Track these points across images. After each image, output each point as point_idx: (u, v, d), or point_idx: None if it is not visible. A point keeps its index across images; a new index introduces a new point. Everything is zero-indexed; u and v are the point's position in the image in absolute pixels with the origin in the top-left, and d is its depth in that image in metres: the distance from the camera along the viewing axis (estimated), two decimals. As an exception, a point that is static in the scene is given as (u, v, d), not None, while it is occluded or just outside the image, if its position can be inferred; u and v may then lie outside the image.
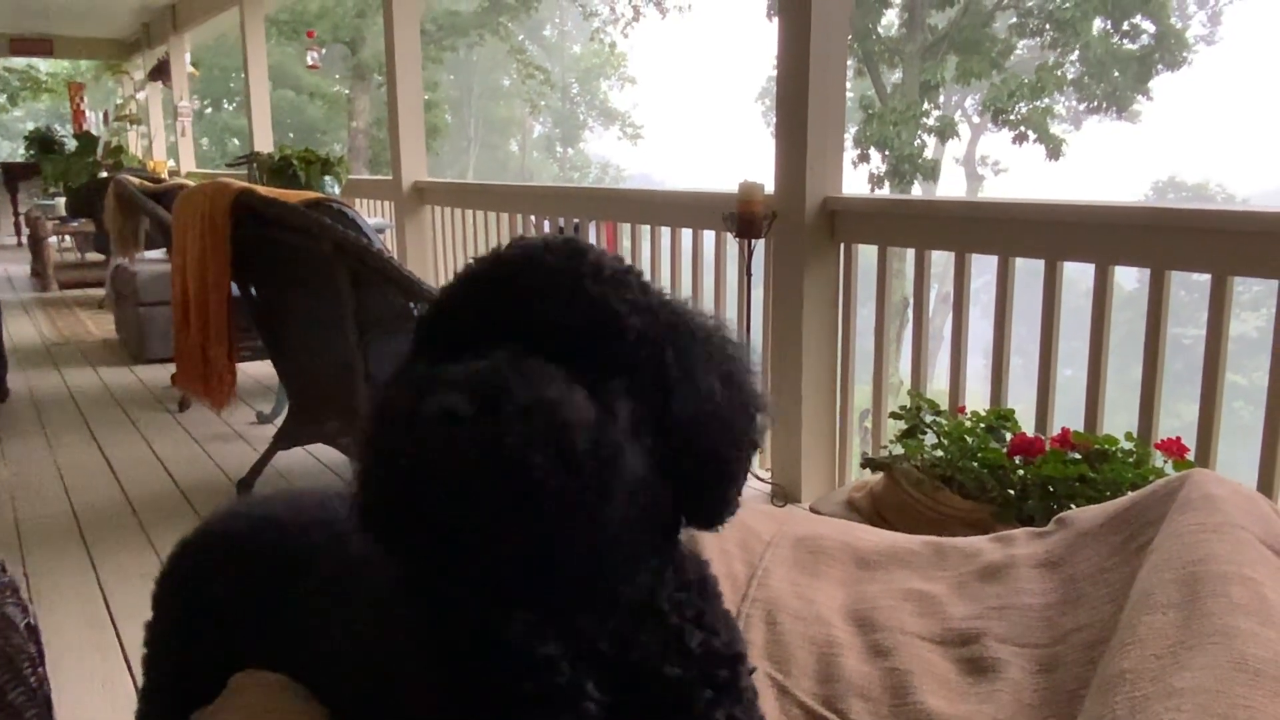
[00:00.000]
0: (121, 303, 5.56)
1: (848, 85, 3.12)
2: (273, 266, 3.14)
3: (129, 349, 5.53)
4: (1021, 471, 2.24)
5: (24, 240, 10.94)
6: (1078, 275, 2.50)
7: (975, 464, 2.32)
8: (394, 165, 5.66)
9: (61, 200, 9.17)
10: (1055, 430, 2.36)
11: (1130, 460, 2.13)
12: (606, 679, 0.75)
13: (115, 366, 5.26)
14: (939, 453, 2.40)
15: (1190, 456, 2.14)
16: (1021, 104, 15.21)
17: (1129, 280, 14.83)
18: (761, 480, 3.15)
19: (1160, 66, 15.83)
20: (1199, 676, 0.81)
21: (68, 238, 9.41)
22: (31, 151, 10.59)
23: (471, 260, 0.77)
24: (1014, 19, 16.32)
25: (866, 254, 3.04)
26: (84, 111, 12.94)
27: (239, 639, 1.02)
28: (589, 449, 0.64)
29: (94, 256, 9.04)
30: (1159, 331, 2.27)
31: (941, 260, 2.97)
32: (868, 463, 2.58)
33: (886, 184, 15.24)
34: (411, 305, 2.78)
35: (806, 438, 3.06)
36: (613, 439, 0.66)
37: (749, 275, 3.09)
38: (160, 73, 11.25)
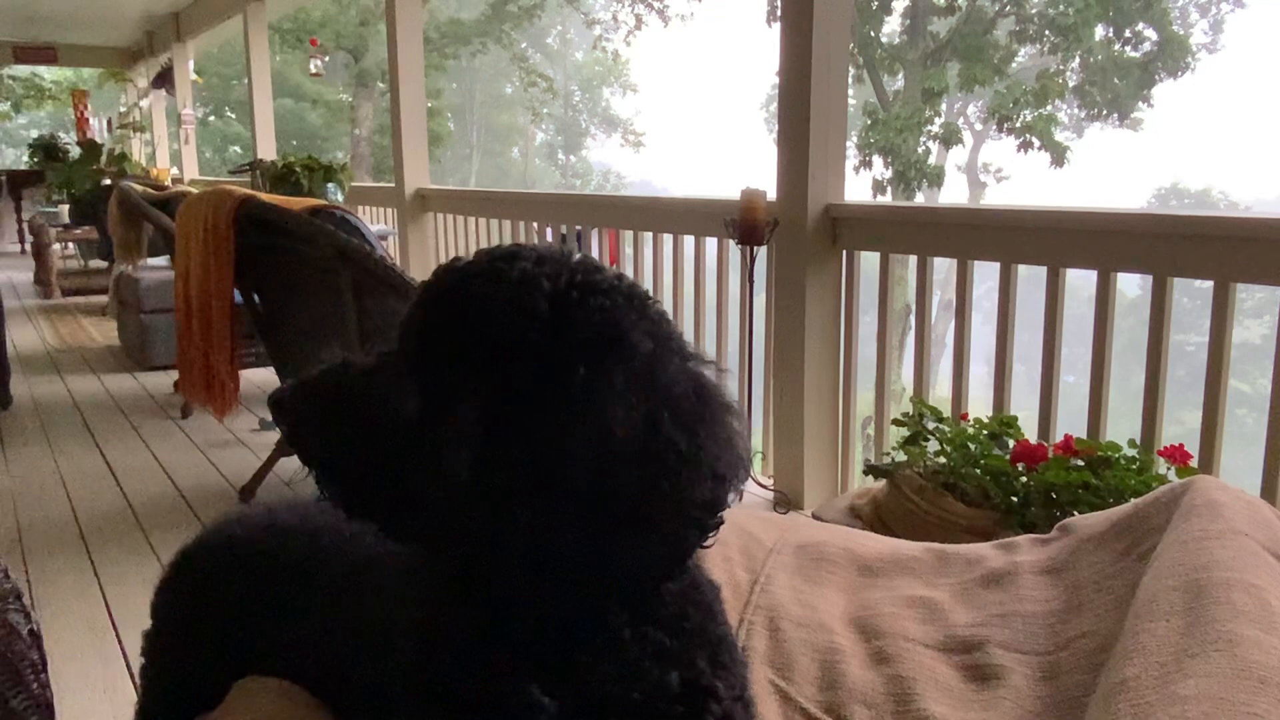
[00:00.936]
0: (124, 310, 5.57)
1: (849, 92, 3.13)
2: (275, 273, 3.14)
3: (132, 356, 5.54)
4: (1024, 478, 2.24)
5: (27, 247, 10.95)
6: (1080, 282, 2.50)
7: (978, 471, 2.32)
8: (397, 172, 5.67)
9: (65, 208, 9.19)
10: (1058, 437, 2.36)
11: (1133, 467, 2.13)
12: (569, 704, 0.76)
13: (118, 373, 5.26)
14: (941, 459, 2.40)
15: (1193, 463, 2.14)
16: (1026, 111, 15.22)
17: (1131, 287, 14.83)
18: (764, 487, 3.15)
19: (1162, 74, 15.84)
20: (1203, 684, 0.81)
21: (71, 245, 9.43)
22: (35, 159, 10.62)
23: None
24: (1015, 26, 16.34)
25: (869, 261, 3.04)
26: (88, 119, 12.97)
27: (242, 646, 1.02)
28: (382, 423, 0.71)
29: (97, 264, 9.06)
30: (1161, 338, 2.27)
31: (943, 267, 2.97)
32: (870, 469, 2.58)
33: (889, 191, 15.25)
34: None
35: (809, 444, 3.06)
36: (397, 417, 0.71)
37: (751, 282, 3.09)
38: (164, 80, 11.28)
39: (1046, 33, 15.54)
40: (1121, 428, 2.35)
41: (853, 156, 15.32)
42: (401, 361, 0.74)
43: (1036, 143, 15.42)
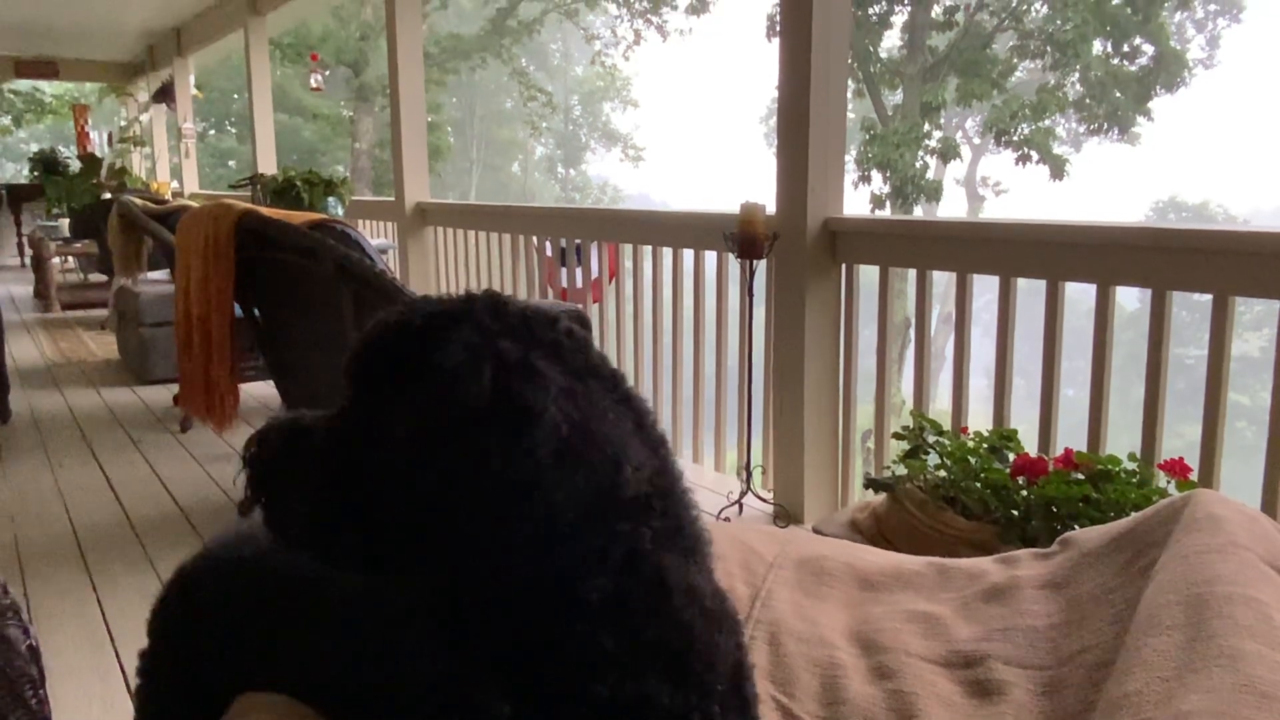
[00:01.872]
0: (124, 323, 5.57)
1: (849, 107, 3.14)
2: (275, 287, 3.15)
3: (131, 370, 5.54)
4: (1025, 492, 2.24)
5: (27, 261, 10.96)
6: (1079, 295, 2.51)
7: (978, 484, 2.31)
8: (397, 186, 5.69)
9: (65, 221, 9.20)
10: (1058, 450, 2.36)
11: (1133, 480, 2.13)
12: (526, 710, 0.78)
13: (117, 387, 5.26)
14: (942, 473, 2.39)
15: (1193, 476, 2.14)
16: (1024, 125, 15.27)
17: (1130, 300, 14.84)
18: (764, 500, 3.14)
19: (1159, 88, 15.90)
20: (1205, 700, 0.81)
21: (71, 259, 9.44)
22: (35, 173, 10.64)
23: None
24: (1014, 40, 16.41)
25: (868, 274, 3.05)
26: (88, 133, 13.00)
27: (243, 664, 1.01)
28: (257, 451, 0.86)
29: (96, 277, 9.06)
30: (1161, 351, 2.27)
31: (943, 280, 2.97)
32: (870, 483, 2.57)
33: (888, 205, 15.29)
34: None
35: (809, 458, 3.06)
36: (271, 444, 0.86)
37: (751, 296, 3.10)
38: (164, 95, 11.31)
39: (1046, 48, 15.60)
40: (1122, 441, 2.35)
41: (851, 171, 15.35)
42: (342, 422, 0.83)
43: (1035, 156, 15.47)
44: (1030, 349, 2.62)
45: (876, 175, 15.37)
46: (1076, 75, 16.06)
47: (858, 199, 15.52)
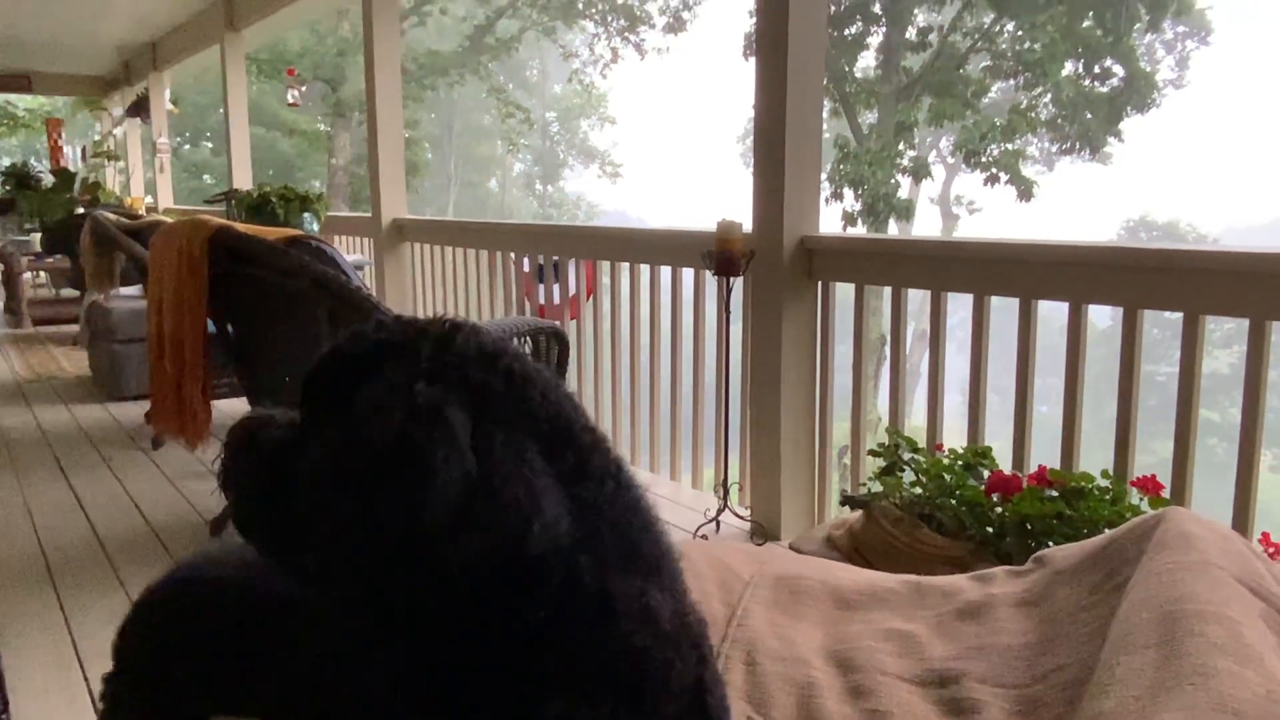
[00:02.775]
0: (96, 339, 5.51)
1: (824, 126, 3.16)
2: (250, 304, 3.12)
3: (103, 386, 5.47)
4: (999, 509, 2.25)
5: (-2, 276, 10.83)
6: (1052, 313, 2.53)
7: (953, 501, 2.32)
8: (374, 202, 5.67)
9: (37, 236, 9.10)
10: (1032, 467, 2.37)
11: (1106, 497, 2.15)
12: None
13: (88, 404, 5.20)
14: (917, 490, 2.40)
15: (1165, 493, 2.15)
16: (993, 146, 15.43)
17: (1103, 318, 14.99)
18: (740, 517, 3.14)
19: (1130, 109, 16.11)
20: (1178, 717, 0.81)
21: (42, 274, 9.33)
22: (7, 187, 10.53)
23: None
24: (987, 61, 16.60)
25: (844, 292, 3.06)
26: (61, 147, 12.90)
27: (212, 687, 0.99)
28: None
29: (69, 293, 8.95)
30: (1133, 369, 2.29)
31: (918, 298, 2.99)
32: (847, 500, 2.58)
33: (860, 222, 15.39)
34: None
35: (785, 474, 3.06)
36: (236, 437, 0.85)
37: (728, 313, 3.11)
38: (139, 109, 11.24)
39: (1018, 68, 15.78)
40: (1095, 457, 2.36)
41: (824, 189, 15.46)
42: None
43: (1004, 177, 15.62)
44: (1004, 366, 2.63)
45: (848, 193, 15.48)
46: (1049, 96, 16.25)
47: (829, 216, 15.63)
